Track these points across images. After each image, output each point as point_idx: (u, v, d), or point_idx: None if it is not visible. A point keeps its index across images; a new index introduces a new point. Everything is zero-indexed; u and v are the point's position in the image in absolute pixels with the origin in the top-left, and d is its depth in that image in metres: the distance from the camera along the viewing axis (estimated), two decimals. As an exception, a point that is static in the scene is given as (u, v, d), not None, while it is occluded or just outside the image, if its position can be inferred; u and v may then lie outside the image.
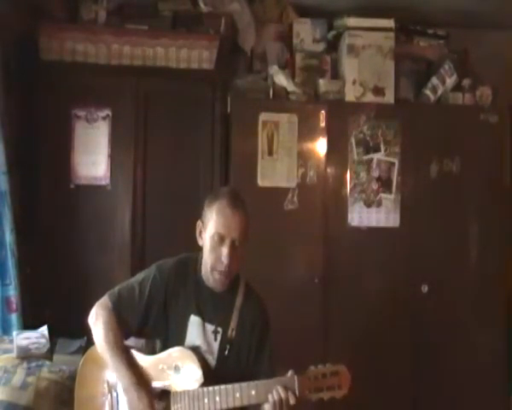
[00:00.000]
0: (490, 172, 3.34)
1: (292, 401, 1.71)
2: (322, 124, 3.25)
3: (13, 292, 2.71)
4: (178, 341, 1.88)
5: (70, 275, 3.01)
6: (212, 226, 1.86)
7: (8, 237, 2.69)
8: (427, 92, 3.39)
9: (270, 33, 3.45)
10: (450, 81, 3.43)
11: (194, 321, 1.90)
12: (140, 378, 1.83)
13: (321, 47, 3.47)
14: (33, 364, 2.36)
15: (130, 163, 3.13)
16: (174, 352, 1.85)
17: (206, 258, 1.88)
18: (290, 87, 3.27)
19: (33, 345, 2.44)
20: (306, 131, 3.24)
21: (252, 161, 3.19)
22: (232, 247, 1.84)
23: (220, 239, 1.84)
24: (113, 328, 1.86)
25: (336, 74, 3.42)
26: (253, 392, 1.74)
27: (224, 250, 1.84)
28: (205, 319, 1.90)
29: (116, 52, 3.10)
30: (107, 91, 3.11)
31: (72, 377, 2.17)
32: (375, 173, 3.28)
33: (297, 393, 1.71)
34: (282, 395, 1.71)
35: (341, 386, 1.72)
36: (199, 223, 1.93)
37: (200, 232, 1.93)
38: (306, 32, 3.47)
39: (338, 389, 1.72)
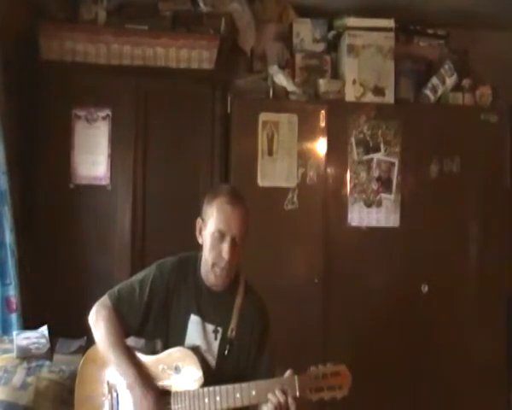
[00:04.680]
0: (490, 172, 3.34)
1: (292, 401, 1.71)
2: (322, 124, 3.25)
3: (13, 292, 2.71)
4: (178, 340, 1.88)
5: (70, 275, 3.01)
6: (212, 223, 1.86)
7: (8, 237, 2.68)
8: (427, 92, 3.39)
9: (270, 33, 3.44)
10: (450, 81, 3.43)
11: (194, 320, 1.89)
12: (144, 375, 1.83)
13: (321, 47, 3.48)
14: (33, 364, 2.35)
15: (130, 163, 3.13)
16: (174, 352, 1.84)
17: (207, 255, 1.88)
18: (290, 87, 3.27)
19: (33, 345, 2.44)
20: (306, 131, 3.24)
21: (252, 160, 3.18)
22: (233, 243, 1.84)
23: (221, 236, 1.84)
24: (114, 326, 1.86)
25: (336, 74, 3.42)
26: (254, 392, 1.74)
27: (225, 247, 1.83)
28: (205, 318, 1.90)
29: (116, 52, 3.10)
30: (107, 91, 3.11)
31: (72, 377, 2.16)
32: (375, 173, 3.28)
33: (297, 393, 1.72)
34: (283, 395, 1.71)
35: (342, 386, 1.73)
36: (199, 220, 1.93)
37: (200, 230, 1.92)
38: (306, 32, 3.47)
39: (339, 389, 1.73)
